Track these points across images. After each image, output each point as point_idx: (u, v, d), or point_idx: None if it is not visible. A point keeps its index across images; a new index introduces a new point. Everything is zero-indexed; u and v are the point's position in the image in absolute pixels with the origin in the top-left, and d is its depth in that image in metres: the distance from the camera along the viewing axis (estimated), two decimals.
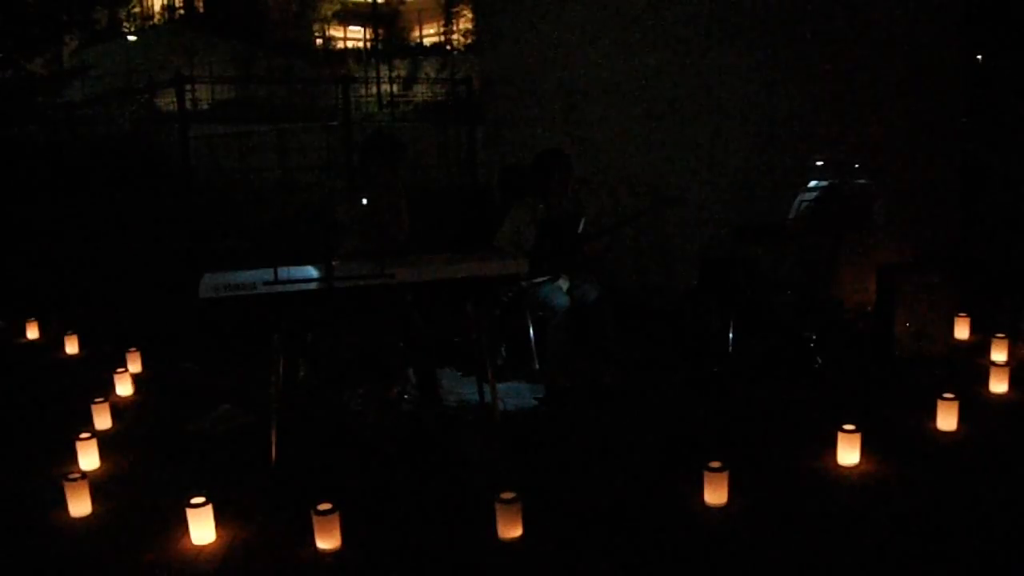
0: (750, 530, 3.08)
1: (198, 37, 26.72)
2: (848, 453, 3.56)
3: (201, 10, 32.10)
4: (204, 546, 3.09)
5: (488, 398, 4.09)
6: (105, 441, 4.04)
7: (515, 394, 4.61)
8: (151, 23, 32.31)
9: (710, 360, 4.90)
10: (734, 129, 5.95)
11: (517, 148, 6.69)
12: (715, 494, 3.24)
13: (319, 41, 32.21)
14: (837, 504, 3.28)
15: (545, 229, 4.67)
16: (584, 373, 4.65)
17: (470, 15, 28.22)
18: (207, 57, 23.46)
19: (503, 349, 4.98)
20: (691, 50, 6.01)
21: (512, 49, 6.83)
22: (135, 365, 5.24)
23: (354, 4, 32.94)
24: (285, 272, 3.59)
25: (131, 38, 28.13)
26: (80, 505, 3.38)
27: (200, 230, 8.01)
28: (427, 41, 33.23)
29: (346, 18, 33.33)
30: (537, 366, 4.69)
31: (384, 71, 26.26)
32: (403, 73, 27.63)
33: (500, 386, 4.27)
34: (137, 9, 32.43)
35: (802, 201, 5.06)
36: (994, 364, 4.49)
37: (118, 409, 4.55)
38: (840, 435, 3.57)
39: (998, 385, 4.40)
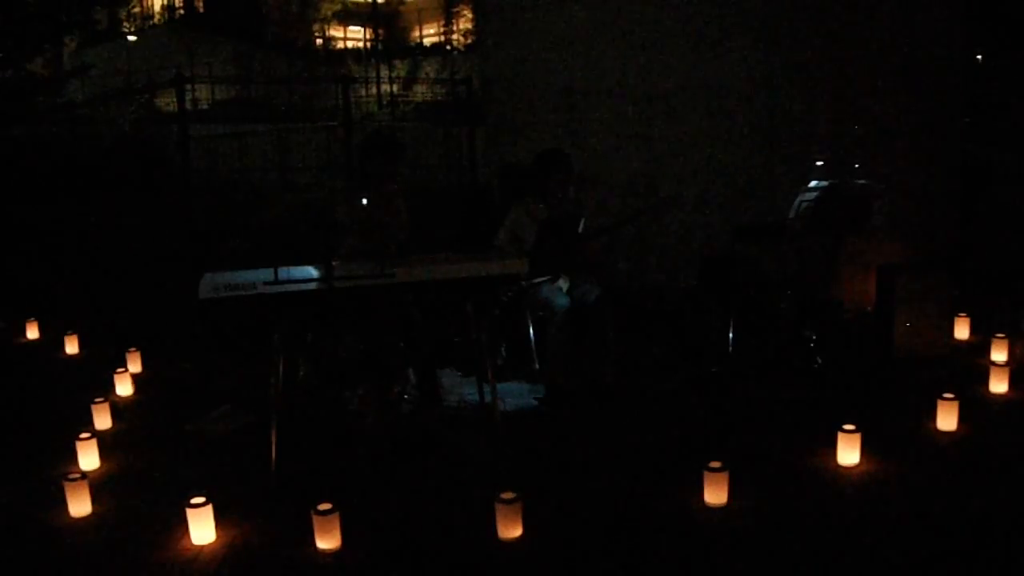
0: (750, 530, 3.08)
1: (198, 37, 26.72)
2: (848, 453, 3.56)
3: (201, 10, 32.10)
4: (204, 546, 3.09)
5: (488, 398, 4.09)
6: (105, 441, 4.04)
7: (515, 394, 4.61)
8: (151, 23, 32.32)
9: (710, 360, 4.90)
10: (734, 129, 5.95)
11: (517, 148, 6.69)
12: (715, 494, 3.24)
13: (319, 41, 32.20)
14: (837, 504, 3.28)
15: (545, 229, 4.67)
16: (584, 373, 4.65)
17: (470, 15, 28.21)
18: (207, 57, 23.45)
19: (503, 349, 4.98)
20: (691, 50, 6.00)
21: (512, 49, 6.82)
22: (135, 365, 5.23)
23: (354, 4, 32.92)
24: (285, 272, 3.59)
25: (131, 38, 28.14)
26: (80, 505, 3.38)
27: (200, 230, 8.02)
28: (427, 41, 33.22)
29: (346, 18, 33.32)
30: (537, 366, 4.68)
31: (384, 71, 26.26)
32: (403, 73, 27.63)
33: (500, 386, 4.27)
34: (137, 9, 32.43)
35: (802, 201, 5.06)
36: (994, 364, 4.48)
37: (118, 409, 4.55)
38: (840, 435, 3.57)
39: (998, 385, 4.40)
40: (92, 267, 7.80)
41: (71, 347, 5.85)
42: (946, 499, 3.29)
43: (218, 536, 3.14)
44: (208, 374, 5.16)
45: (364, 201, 4.34)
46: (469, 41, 28.76)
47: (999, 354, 4.73)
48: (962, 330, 5.32)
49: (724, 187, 6.02)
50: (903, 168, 5.87)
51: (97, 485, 3.54)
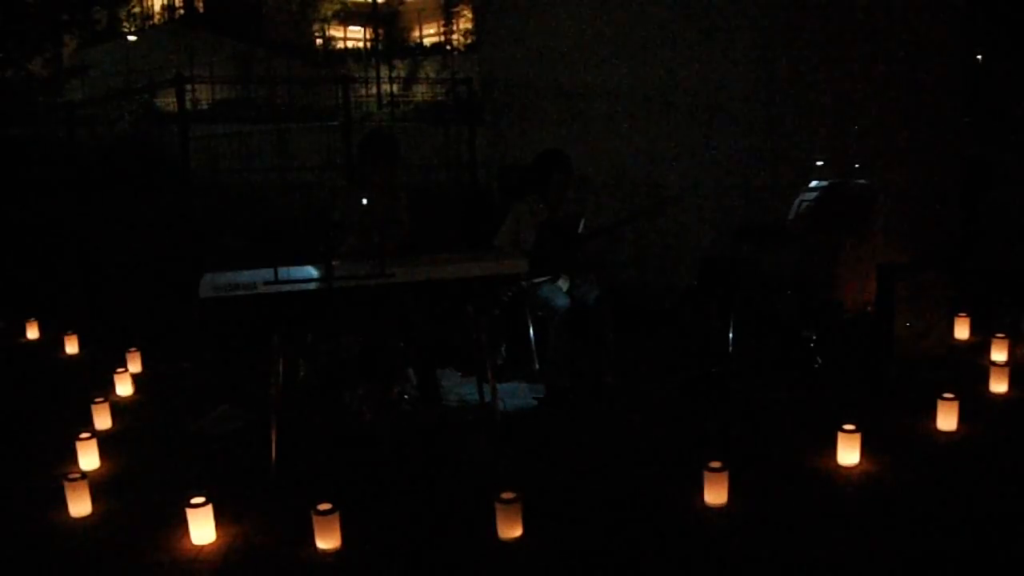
0: (750, 530, 3.08)
1: (198, 37, 26.73)
2: (848, 453, 3.56)
3: (201, 10, 32.11)
4: (204, 546, 3.09)
5: (488, 398, 4.09)
6: (105, 441, 4.03)
7: (515, 394, 4.61)
8: (151, 23, 32.34)
9: (710, 360, 4.90)
10: (734, 129, 5.95)
11: (517, 148, 6.69)
12: (715, 494, 3.24)
13: (319, 41, 32.22)
14: (837, 504, 3.28)
15: (545, 229, 4.67)
16: (584, 373, 4.65)
17: (470, 15, 28.21)
18: (207, 57, 23.46)
19: (503, 349, 4.98)
20: (691, 50, 6.01)
21: (512, 49, 6.83)
22: (135, 365, 5.23)
23: (354, 4, 32.94)
24: (285, 272, 3.59)
25: (131, 38, 28.16)
26: (80, 505, 3.38)
27: (200, 230, 8.01)
28: (427, 41, 33.24)
29: (346, 18, 33.34)
30: (537, 366, 4.68)
31: (384, 71, 26.27)
32: (403, 73, 27.65)
33: (500, 386, 4.27)
34: (137, 9, 32.46)
35: (802, 201, 5.06)
36: (994, 364, 4.48)
37: (118, 409, 4.55)
38: (840, 435, 3.57)
39: (998, 385, 4.40)
40: (92, 267, 7.80)
41: (71, 347, 5.85)
42: (946, 499, 3.29)
43: (218, 536, 3.14)
44: (208, 374, 5.16)
45: (364, 201, 4.33)
46: (469, 41, 28.77)
47: (999, 354, 4.73)
48: (962, 330, 5.33)
49: (724, 188, 6.02)
50: (903, 168, 5.87)
51: (97, 485, 3.54)
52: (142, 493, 3.58)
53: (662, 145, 6.18)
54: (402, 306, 4.28)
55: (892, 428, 3.95)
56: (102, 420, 4.34)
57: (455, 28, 31.79)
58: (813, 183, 5.11)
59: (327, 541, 3.01)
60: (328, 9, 32.17)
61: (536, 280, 4.68)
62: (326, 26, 32.40)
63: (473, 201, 8.06)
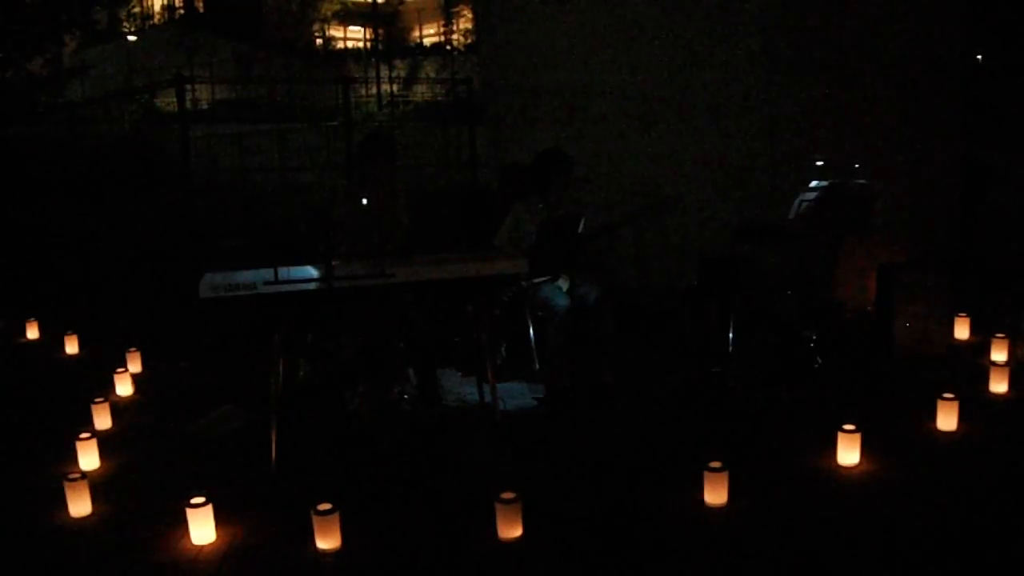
0: (750, 530, 3.08)
1: (198, 37, 26.74)
2: (848, 453, 3.56)
3: (201, 10, 32.12)
4: (204, 546, 3.09)
5: (488, 398, 4.09)
6: (105, 441, 4.03)
7: (515, 394, 4.61)
8: (151, 23, 32.35)
9: (710, 360, 4.90)
10: (734, 129, 5.95)
11: (517, 148, 6.69)
12: (715, 494, 3.24)
13: (319, 41, 32.23)
14: (837, 504, 3.28)
15: (545, 229, 4.67)
16: (584, 373, 4.65)
17: (470, 15, 28.21)
18: (207, 57, 23.47)
19: (503, 349, 4.98)
20: (691, 50, 6.01)
21: (512, 49, 6.83)
22: (135, 365, 5.23)
23: (354, 4, 32.94)
24: (285, 272, 3.59)
25: (131, 38, 28.16)
26: (80, 505, 3.38)
27: (200, 230, 8.02)
28: (427, 41, 33.25)
29: (346, 18, 33.35)
30: (537, 366, 4.68)
31: (384, 71, 26.28)
32: (403, 73, 27.66)
33: (500, 386, 4.27)
34: (137, 9, 32.47)
35: (802, 201, 5.06)
36: (994, 364, 4.48)
37: (118, 409, 4.55)
38: (840, 435, 3.57)
39: (998, 385, 4.40)
40: (92, 267, 7.80)
41: (71, 347, 5.85)
42: (946, 499, 3.29)
43: (218, 536, 3.14)
44: (208, 374, 5.16)
45: (364, 201, 4.34)
46: (469, 41, 28.77)
47: (999, 354, 4.73)
48: (962, 330, 5.32)
49: (724, 187, 6.02)
50: (903, 168, 5.87)
51: (97, 485, 3.54)
52: (142, 493, 3.58)
53: (662, 145, 6.18)
54: (402, 306, 4.28)
55: (892, 428, 3.95)
56: (102, 420, 4.34)
57: (455, 28, 31.80)
58: (813, 183, 5.10)
59: (327, 541, 3.01)
60: (328, 9, 32.19)
61: (536, 280, 4.68)
62: (326, 26, 32.41)
63: (473, 201, 8.06)
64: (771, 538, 3.03)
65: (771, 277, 5.37)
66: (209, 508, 3.11)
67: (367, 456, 3.84)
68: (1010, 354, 4.74)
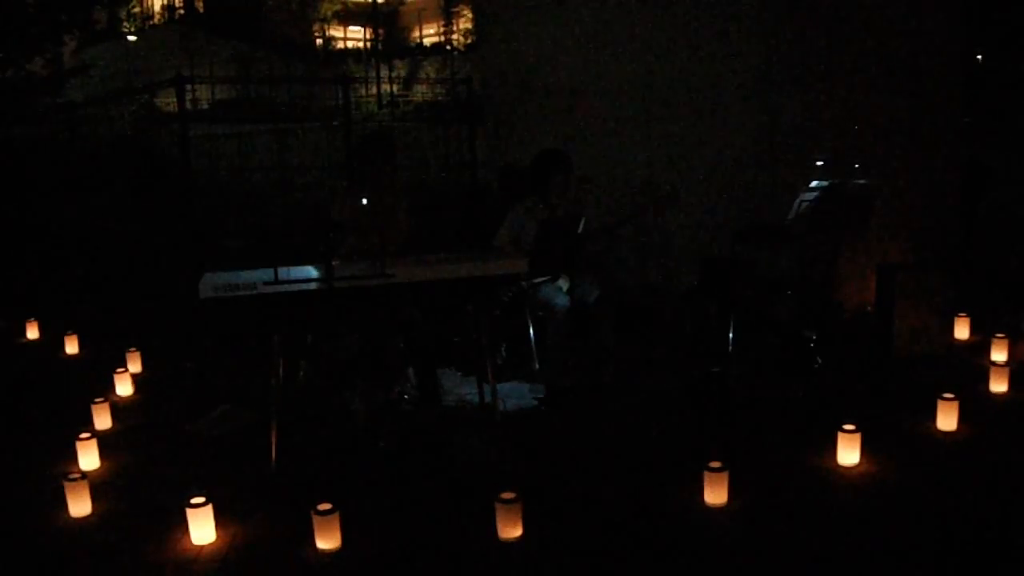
0: (750, 530, 3.09)
1: (198, 37, 26.74)
2: (848, 453, 3.56)
3: (201, 10, 32.12)
4: (204, 546, 3.09)
5: (488, 398, 4.09)
6: (105, 441, 4.04)
7: (515, 394, 4.61)
8: (151, 23, 32.35)
9: (710, 360, 4.90)
10: (734, 129, 5.95)
11: (517, 148, 6.69)
12: (715, 494, 3.24)
13: (319, 41, 32.24)
14: (837, 504, 3.28)
15: (545, 229, 4.67)
16: (584, 373, 4.65)
17: (470, 15, 28.24)
18: (207, 57, 23.48)
19: (503, 349, 4.98)
20: (691, 49, 6.00)
21: (512, 49, 6.83)
22: (135, 365, 5.24)
23: (354, 4, 32.95)
24: (285, 272, 3.59)
25: (131, 38, 28.17)
26: (80, 505, 3.38)
27: (200, 230, 8.02)
28: (427, 41, 33.26)
29: (346, 18, 33.37)
30: (537, 366, 4.69)
31: (384, 71, 26.28)
32: (403, 73, 27.67)
33: (500, 386, 4.27)
34: (137, 9, 32.47)
35: (802, 201, 5.06)
36: (994, 364, 4.49)
37: (118, 409, 4.55)
38: (840, 435, 3.57)
39: (998, 385, 4.40)
40: (92, 267, 7.80)
41: (71, 347, 5.85)
42: (946, 499, 3.29)
43: (218, 536, 3.14)
44: (208, 374, 5.16)
45: (364, 201, 4.34)
46: (469, 41, 28.78)
47: (999, 354, 4.73)
48: (962, 330, 5.33)
49: (724, 187, 6.02)
50: (903, 168, 5.87)
51: (97, 485, 3.54)
52: (142, 493, 3.58)
53: (661, 145, 6.18)
54: (402, 306, 4.28)
55: (892, 428, 3.95)
56: (102, 420, 4.34)
57: (455, 28, 31.81)
58: (813, 183, 5.10)
59: (327, 541, 3.01)
60: (328, 9, 32.20)
61: (536, 280, 4.68)
62: (326, 26, 32.42)
63: (473, 201, 8.07)
64: (771, 538, 3.03)
65: (771, 277, 5.38)
66: (209, 508, 3.11)
67: (367, 456, 3.84)
68: (1010, 354, 4.74)
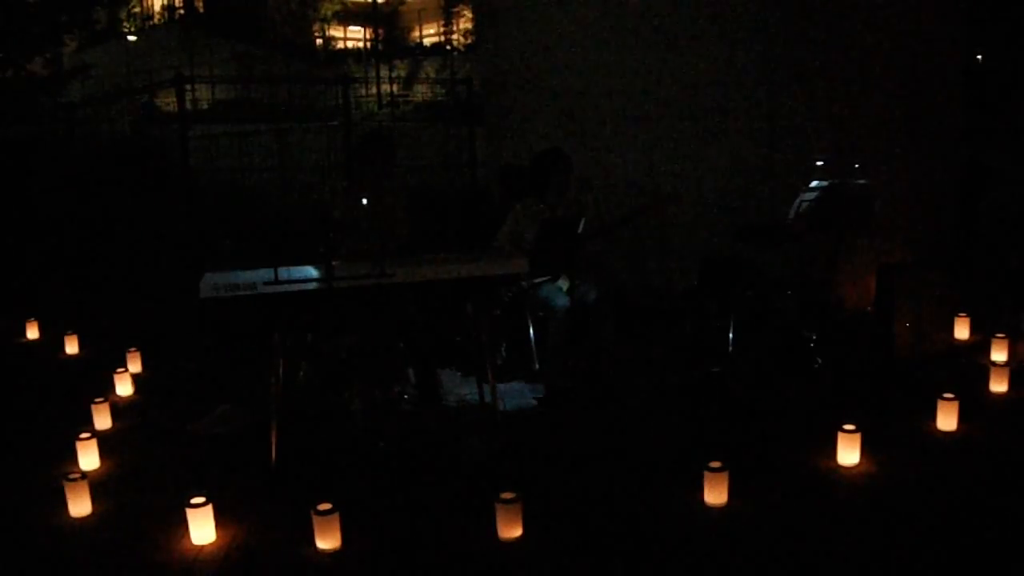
0: (750, 530, 3.08)
1: (198, 37, 26.73)
2: (848, 453, 3.56)
3: (201, 10, 32.10)
4: (204, 546, 3.09)
5: (488, 398, 4.09)
6: (105, 441, 4.03)
7: (515, 394, 4.61)
8: (151, 23, 32.34)
9: (710, 360, 4.90)
10: (734, 129, 5.95)
11: (517, 148, 6.69)
12: (715, 494, 3.24)
13: (319, 41, 32.22)
14: (837, 504, 3.28)
15: (545, 229, 4.67)
16: (584, 373, 4.65)
17: (470, 15, 28.21)
18: (207, 57, 23.47)
19: (503, 349, 4.98)
20: (691, 49, 6.00)
21: (512, 49, 6.82)
22: (135, 365, 5.23)
23: (354, 4, 32.94)
24: (285, 272, 3.59)
25: (131, 38, 28.17)
26: (80, 505, 3.37)
27: (200, 230, 8.02)
28: (427, 41, 33.24)
29: (346, 18, 33.35)
30: (537, 366, 4.69)
31: (384, 71, 26.27)
32: (403, 73, 27.66)
33: (500, 386, 4.27)
34: (137, 9, 32.46)
35: (802, 201, 5.06)
36: (994, 364, 4.49)
37: (118, 409, 4.55)
38: (840, 435, 3.57)
39: (998, 385, 4.40)
40: (92, 267, 7.80)
41: (71, 347, 5.85)
42: (946, 499, 3.29)
43: (218, 536, 3.13)
44: (208, 374, 5.16)
45: (364, 201, 4.34)
46: (469, 41, 28.77)
47: (999, 354, 4.73)
48: (962, 330, 5.32)
49: (724, 188, 6.02)
50: (903, 168, 5.87)
51: (97, 485, 3.53)
52: (142, 493, 3.58)
53: (661, 145, 6.17)
54: (402, 306, 4.28)
55: (892, 428, 3.95)
56: (102, 420, 4.34)
57: (455, 28, 31.78)
58: (813, 183, 5.10)
59: (327, 541, 3.01)
60: (328, 9, 32.18)
61: (536, 280, 4.68)
62: (326, 26, 32.41)
63: (473, 201, 8.07)
64: (771, 538, 3.03)
65: (771, 277, 5.37)
66: (209, 508, 3.11)
67: (367, 456, 3.84)
68: (1010, 354, 4.74)
